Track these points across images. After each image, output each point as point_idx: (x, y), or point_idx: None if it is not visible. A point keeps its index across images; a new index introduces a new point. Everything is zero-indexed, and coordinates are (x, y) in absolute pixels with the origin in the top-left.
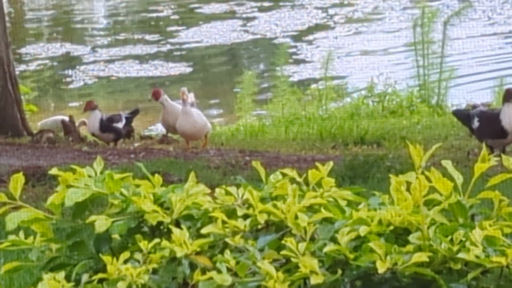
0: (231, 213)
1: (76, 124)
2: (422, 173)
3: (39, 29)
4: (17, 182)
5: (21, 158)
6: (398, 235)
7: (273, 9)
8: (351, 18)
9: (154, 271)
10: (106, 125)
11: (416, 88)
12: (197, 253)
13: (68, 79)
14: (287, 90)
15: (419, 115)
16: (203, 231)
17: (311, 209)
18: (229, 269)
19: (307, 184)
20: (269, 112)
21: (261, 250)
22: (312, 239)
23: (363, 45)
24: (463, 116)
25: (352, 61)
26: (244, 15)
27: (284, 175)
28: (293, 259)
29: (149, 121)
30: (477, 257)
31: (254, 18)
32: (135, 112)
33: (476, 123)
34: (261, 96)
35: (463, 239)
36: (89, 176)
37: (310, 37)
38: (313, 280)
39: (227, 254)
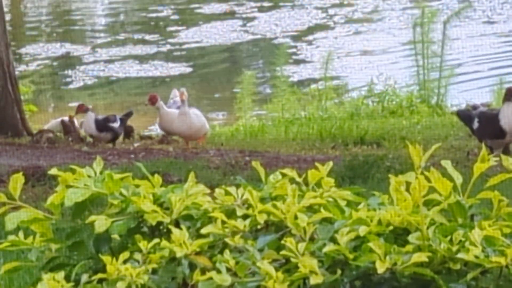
0: (230, 213)
1: (77, 124)
2: (422, 173)
3: (39, 29)
4: (17, 182)
5: (21, 158)
6: (398, 235)
7: (273, 9)
8: (351, 18)
9: (154, 271)
10: (103, 125)
11: (416, 88)
12: (197, 253)
13: (68, 79)
14: (287, 90)
15: (419, 115)
16: (203, 231)
17: (311, 209)
18: (228, 269)
19: (306, 184)
20: (269, 112)
21: (261, 250)
22: (312, 239)
23: (363, 45)
24: (466, 116)
25: (352, 61)
26: (244, 15)
27: (283, 175)
28: (292, 259)
29: (148, 121)
30: (477, 257)
31: (254, 18)
32: (129, 114)
33: (476, 124)
34: (260, 96)
35: (463, 239)
36: (89, 176)
37: (310, 37)
38: (313, 280)
39: (227, 254)
